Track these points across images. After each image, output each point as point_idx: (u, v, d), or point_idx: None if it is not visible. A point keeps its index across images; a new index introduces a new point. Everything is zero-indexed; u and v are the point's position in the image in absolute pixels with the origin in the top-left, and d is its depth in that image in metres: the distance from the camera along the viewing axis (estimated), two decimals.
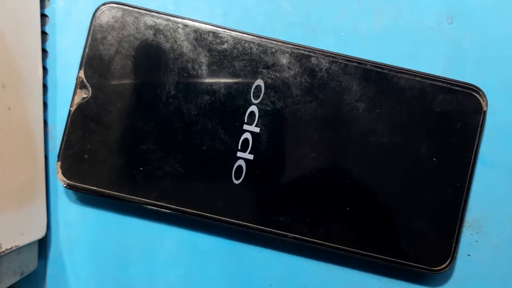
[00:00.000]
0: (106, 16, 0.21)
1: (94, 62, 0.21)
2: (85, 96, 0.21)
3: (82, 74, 0.21)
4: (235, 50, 0.21)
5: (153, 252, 0.22)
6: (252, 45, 0.21)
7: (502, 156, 0.22)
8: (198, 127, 0.21)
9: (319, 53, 0.21)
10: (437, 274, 0.22)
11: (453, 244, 0.21)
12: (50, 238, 0.22)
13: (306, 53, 0.21)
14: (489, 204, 0.22)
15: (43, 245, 0.22)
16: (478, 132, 0.21)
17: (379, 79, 0.21)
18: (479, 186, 0.22)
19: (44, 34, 0.22)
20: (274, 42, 0.21)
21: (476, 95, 0.21)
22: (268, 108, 0.21)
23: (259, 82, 0.21)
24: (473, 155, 0.21)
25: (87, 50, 0.21)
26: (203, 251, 0.22)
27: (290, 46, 0.21)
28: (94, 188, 0.21)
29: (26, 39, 0.21)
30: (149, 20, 0.21)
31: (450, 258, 0.21)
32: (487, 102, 0.21)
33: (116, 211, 0.22)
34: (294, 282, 0.22)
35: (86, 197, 0.22)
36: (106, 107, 0.21)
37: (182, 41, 0.21)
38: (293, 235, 0.21)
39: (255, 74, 0.21)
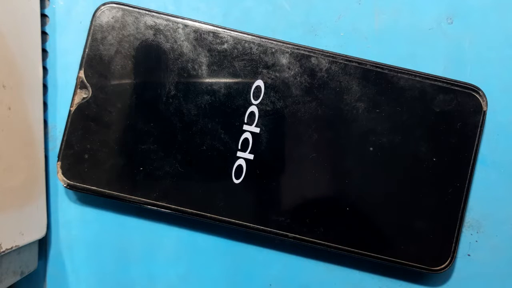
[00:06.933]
0: (106, 16, 0.21)
1: (94, 62, 0.21)
2: (85, 96, 0.21)
3: (82, 74, 0.21)
4: (235, 50, 0.21)
5: (153, 252, 0.22)
6: (252, 45, 0.21)
7: (502, 156, 0.22)
8: (198, 127, 0.21)
9: (319, 53, 0.21)
10: (437, 274, 0.22)
11: (453, 244, 0.21)
12: (50, 238, 0.22)
13: (306, 53, 0.21)
14: (489, 204, 0.22)
15: (43, 245, 0.22)
16: (478, 132, 0.21)
17: (379, 79, 0.21)
18: (479, 186, 0.22)
19: (44, 34, 0.22)
20: (274, 42, 0.21)
21: (476, 95, 0.21)
22: (268, 108, 0.21)
23: (259, 82, 0.21)
24: (473, 155, 0.21)
25: (87, 50, 0.21)
26: (203, 251, 0.22)
27: (290, 46, 0.21)
28: (94, 188, 0.21)
29: (26, 39, 0.21)
30: (149, 20, 0.21)
31: (450, 258, 0.21)
32: (487, 102, 0.21)
33: (116, 211, 0.22)
34: (294, 282, 0.22)
35: (86, 197, 0.22)
36: (106, 107, 0.21)
37: (182, 41, 0.21)
38: (293, 235, 0.21)
39: (255, 74, 0.21)
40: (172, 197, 0.21)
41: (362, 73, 0.21)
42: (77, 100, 0.21)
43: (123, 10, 0.21)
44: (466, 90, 0.21)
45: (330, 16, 0.22)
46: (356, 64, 0.21)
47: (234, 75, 0.21)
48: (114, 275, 0.22)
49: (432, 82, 0.21)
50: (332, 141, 0.21)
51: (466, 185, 0.21)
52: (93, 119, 0.21)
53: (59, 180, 0.21)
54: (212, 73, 0.21)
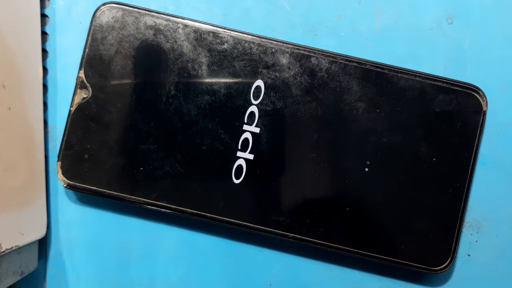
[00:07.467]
0: (106, 16, 0.21)
1: (94, 62, 0.21)
2: (85, 96, 0.21)
3: (82, 74, 0.21)
4: (235, 50, 0.21)
5: (153, 252, 0.22)
6: (252, 45, 0.21)
7: (502, 156, 0.22)
8: (198, 127, 0.21)
9: (319, 53, 0.21)
10: (437, 274, 0.22)
11: (453, 244, 0.21)
12: (50, 238, 0.22)
13: (306, 53, 0.21)
14: (489, 204, 0.22)
15: (43, 245, 0.22)
16: (478, 132, 0.21)
17: (379, 79, 0.21)
18: (479, 186, 0.22)
19: (44, 34, 0.22)
20: (274, 42, 0.21)
21: (476, 95, 0.21)
22: (268, 108, 0.21)
23: (259, 82, 0.21)
24: (473, 155, 0.21)
25: (87, 50, 0.21)
26: (203, 251, 0.22)
27: (290, 46, 0.21)
28: (94, 188, 0.21)
29: (26, 39, 0.21)
30: (149, 20, 0.21)
31: (450, 258, 0.21)
32: (487, 102, 0.21)
33: (116, 211, 0.22)
34: (294, 282, 0.22)
35: (86, 197, 0.22)
36: (106, 107, 0.21)
37: (182, 41, 0.21)
38: (293, 235, 0.21)
39: (255, 74, 0.21)
40: (172, 197, 0.21)
41: (362, 73, 0.21)
42: (77, 100, 0.21)
43: (123, 10, 0.21)
44: (466, 90, 0.21)
45: (330, 16, 0.22)
46: (356, 64, 0.21)
47: (234, 75, 0.21)
48: (114, 275, 0.22)
49: (432, 82, 0.21)
50: (332, 141, 0.21)
51: (466, 185, 0.21)
52: (93, 119, 0.21)
53: (59, 180, 0.21)
54: (212, 73, 0.21)
